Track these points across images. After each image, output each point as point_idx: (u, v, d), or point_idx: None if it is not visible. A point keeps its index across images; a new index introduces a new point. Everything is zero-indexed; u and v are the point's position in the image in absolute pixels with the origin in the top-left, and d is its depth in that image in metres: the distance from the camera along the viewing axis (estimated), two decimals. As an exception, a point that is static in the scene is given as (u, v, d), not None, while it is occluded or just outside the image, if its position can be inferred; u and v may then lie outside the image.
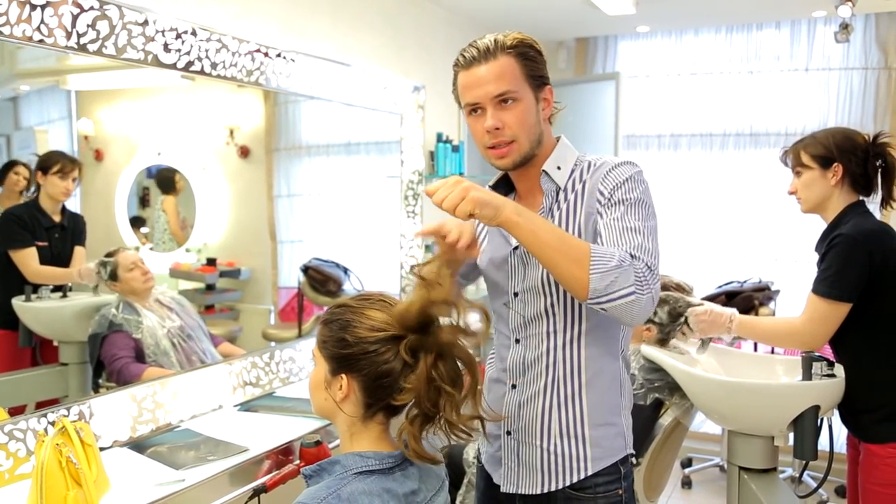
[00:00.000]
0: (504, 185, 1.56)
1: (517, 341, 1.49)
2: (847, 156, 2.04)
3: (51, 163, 2.02)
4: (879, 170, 2.07)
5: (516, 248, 1.47)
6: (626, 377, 1.50)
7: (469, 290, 3.74)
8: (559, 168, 1.46)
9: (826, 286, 1.98)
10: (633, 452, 1.50)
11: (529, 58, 1.41)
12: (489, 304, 1.55)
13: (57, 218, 2.04)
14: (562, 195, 1.45)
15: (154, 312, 2.26)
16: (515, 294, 1.48)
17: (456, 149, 3.63)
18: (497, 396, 1.54)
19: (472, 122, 1.45)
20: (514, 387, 1.50)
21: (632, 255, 1.27)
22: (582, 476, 1.43)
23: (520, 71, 1.40)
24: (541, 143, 1.45)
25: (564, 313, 1.43)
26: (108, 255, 2.15)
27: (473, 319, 1.24)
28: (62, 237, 2.06)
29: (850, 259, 1.96)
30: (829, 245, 2.01)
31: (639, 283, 1.24)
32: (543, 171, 1.45)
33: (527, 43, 1.42)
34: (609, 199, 1.37)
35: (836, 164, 2.04)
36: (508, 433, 1.51)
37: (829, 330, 2.00)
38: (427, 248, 3.55)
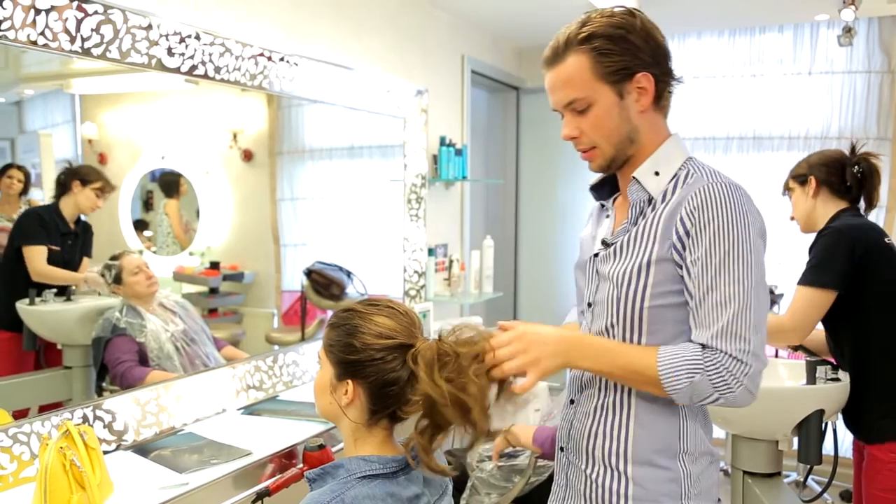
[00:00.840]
0: (609, 185, 1.42)
1: None
2: (817, 168, 2.21)
3: (93, 178, 2.07)
4: (859, 176, 2.14)
5: (596, 254, 1.36)
6: (693, 425, 1.32)
7: (473, 294, 3.73)
8: (657, 173, 1.28)
9: (809, 275, 2.07)
10: None
11: (604, 52, 1.23)
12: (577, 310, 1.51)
13: (72, 226, 2.06)
14: (650, 207, 1.27)
15: (157, 316, 2.26)
16: (589, 304, 1.38)
17: (459, 152, 3.64)
18: (561, 407, 1.48)
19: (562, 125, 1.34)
20: (571, 402, 1.42)
21: (706, 348, 1.18)
22: None
23: (591, 70, 1.24)
24: (634, 141, 1.29)
25: (623, 335, 1.30)
26: (113, 258, 2.16)
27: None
28: (74, 244, 2.08)
29: (831, 249, 2.05)
30: (815, 241, 2.14)
31: (721, 385, 1.17)
32: (634, 177, 1.29)
33: (601, 34, 1.23)
34: (695, 243, 1.19)
35: (808, 177, 2.21)
36: (562, 449, 1.44)
37: (814, 319, 2.06)
38: (430, 251, 3.55)
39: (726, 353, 1.16)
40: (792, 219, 2.30)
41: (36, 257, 1.98)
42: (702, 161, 1.31)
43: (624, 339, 1.30)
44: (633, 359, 1.23)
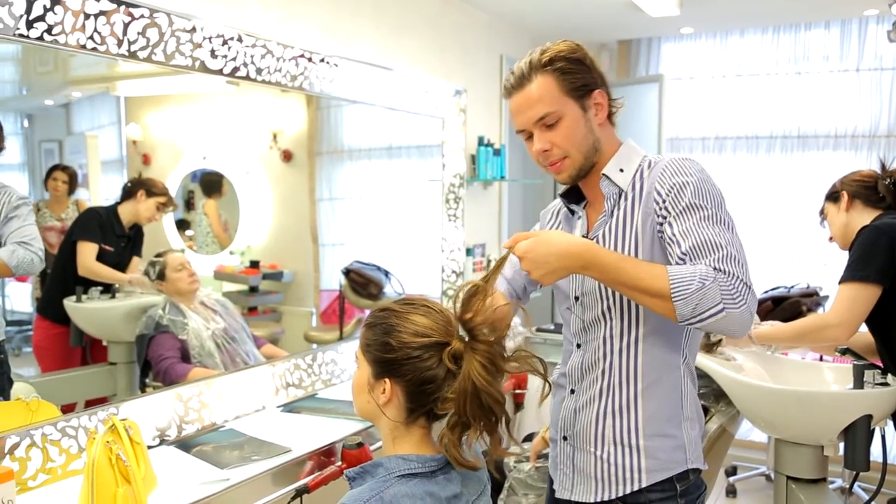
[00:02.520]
0: (574, 194, 1.55)
1: (578, 346, 1.49)
2: (849, 184, 2.25)
3: (158, 190, 2.17)
4: (891, 187, 2.17)
5: None
6: (691, 388, 1.45)
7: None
8: (622, 171, 1.42)
9: (850, 270, 2.05)
10: (698, 468, 1.43)
11: (566, 71, 1.39)
12: (557, 309, 1.57)
13: (127, 229, 2.13)
14: (623, 197, 1.42)
15: (199, 314, 2.30)
16: (577, 298, 1.47)
17: (497, 152, 3.63)
18: (558, 401, 1.54)
19: (528, 146, 1.47)
20: (572, 392, 1.49)
21: (716, 269, 1.23)
22: (635, 487, 1.39)
23: (557, 88, 1.39)
24: (598, 150, 1.44)
25: (621, 317, 1.40)
26: (157, 255, 2.21)
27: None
28: (126, 247, 2.14)
29: (871, 245, 2.03)
30: (854, 239, 2.11)
31: (729, 298, 1.20)
32: (603, 174, 1.43)
33: (561, 56, 1.39)
34: (675, 204, 1.32)
35: (840, 192, 2.25)
36: (565, 438, 1.50)
37: (858, 314, 2.02)
38: (468, 251, 3.55)
39: (735, 274, 1.22)
40: (831, 240, 2.32)
41: (87, 252, 2.03)
42: (658, 155, 1.46)
43: (623, 319, 1.40)
44: (640, 272, 1.27)
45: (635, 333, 1.40)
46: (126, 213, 2.12)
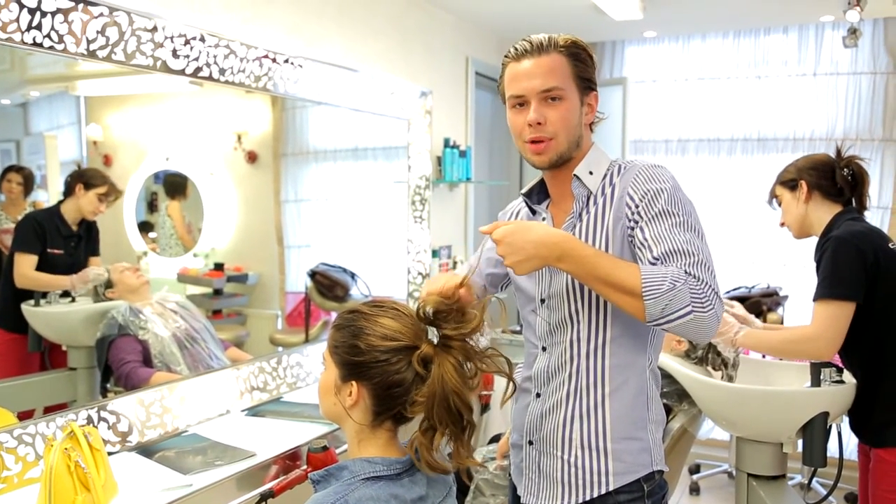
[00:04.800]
0: (538, 193, 1.55)
1: (543, 349, 1.48)
2: (807, 172, 2.18)
3: (97, 182, 2.06)
4: (849, 178, 2.11)
5: None
6: (655, 391, 1.46)
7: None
8: (591, 173, 1.43)
9: (826, 288, 2.01)
10: (662, 469, 1.45)
11: (581, 59, 1.40)
12: (519, 312, 1.57)
13: (75, 228, 2.06)
14: (591, 200, 1.42)
15: (159, 316, 2.27)
16: (542, 300, 1.46)
17: (463, 154, 3.64)
18: (522, 406, 1.53)
19: (513, 116, 1.44)
20: (538, 395, 1.48)
21: (687, 273, 1.23)
22: (603, 491, 1.39)
23: (570, 70, 1.39)
24: (579, 146, 1.43)
25: (589, 321, 1.40)
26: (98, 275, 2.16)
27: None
28: (77, 246, 2.07)
29: (842, 258, 1.99)
30: (822, 250, 2.06)
31: (697, 301, 1.21)
32: (575, 175, 1.43)
33: (580, 45, 1.41)
34: (648, 210, 1.33)
35: (799, 181, 2.18)
36: (530, 443, 1.49)
37: (841, 332, 1.99)
38: (434, 253, 3.55)
39: (705, 280, 1.24)
40: (782, 225, 2.27)
41: (23, 264, 1.96)
42: (626, 159, 1.46)
43: (590, 322, 1.40)
44: (614, 267, 1.27)
45: (602, 337, 1.39)
46: (69, 211, 2.03)
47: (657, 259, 1.28)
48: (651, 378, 1.44)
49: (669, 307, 1.21)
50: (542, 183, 1.54)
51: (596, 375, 1.40)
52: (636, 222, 1.34)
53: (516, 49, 1.42)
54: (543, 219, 1.51)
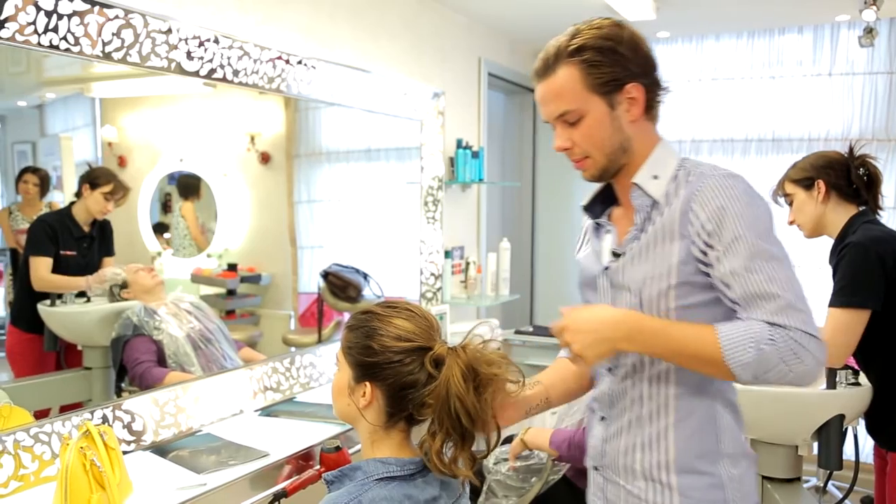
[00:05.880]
0: (600, 203, 1.42)
1: (609, 370, 1.36)
2: (824, 171, 2.12)
3: (102, 181, 2.06)
4: (864, 178, 2.08)
5: (607, 267, 1.34)
6: (730, 421, 1.30)
7: (489, 296, 3.73)
8: (656, 177, 1.28)
9: (843, 295, 1.97)
10: None
11: (594, 64, 1.24)
12: None
13: (87, 229, 2.07)
14: (656, 211, 1.27)
15: (173, 317, 2.28)
16: None
17: (476, 155, 3.64)
18: (590, 427, 1.45)
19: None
20: (602, 419, 1.38)
21: (772, 325, 1.13)
22: None
23: (582, 82, 1.25)
24: (627, 150, 1.29)
25: None
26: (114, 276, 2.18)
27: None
28: (90, 247, 2.09)
29: (861, 265, 1.96)
30: (840, 256, 2.02)
31: (788, 359, 1.12)
32: (634, 183, 1.29)
33: (591, 46, 1.24)
34: (720, 234, 1.18)
35: (816, 181, 2.12)
36: (596, 468, 1.40)
37: (853, 340, 1.97)
38: (447, 253, 3.55)
39: (793, 327, 1.13)
40: (791, 223, 2.22)
41: (39, 267, 1.97)
42: (696, 160, 1.32)
43: None
44: (688, 338, 1.18)
45: (667, 363, 1.27)
46: (79, 212, 2.04)
47: (737, 302, 1.18)
48: (724, 408, 1.30)
49: (760, 371, 1.13)
50: (606, 188, 1.41)
51: (659, 403, 1.29)
52: (709, 247, 1.20)
53: (534, 69, 1.32)
54: (608, 231, 1.39)
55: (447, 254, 3.57)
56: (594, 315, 1.23)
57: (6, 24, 1.59)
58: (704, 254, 1.21)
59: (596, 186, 1.42)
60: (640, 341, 1.20)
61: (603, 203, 1.42)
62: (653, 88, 1.30)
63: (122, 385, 2.11)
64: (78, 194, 2.04)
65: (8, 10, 1.59)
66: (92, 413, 1.88)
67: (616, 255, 1.33)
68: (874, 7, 3.20)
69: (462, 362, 1.14)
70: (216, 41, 2.15)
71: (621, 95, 1.26)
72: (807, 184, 2.15)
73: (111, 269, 2.12)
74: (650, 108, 1.30)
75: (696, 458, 1.27)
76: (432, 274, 3.46)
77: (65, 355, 2.05)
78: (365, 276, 3.08)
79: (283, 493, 1.63)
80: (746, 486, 1.31)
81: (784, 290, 1.15)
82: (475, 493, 2.21)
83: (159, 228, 2.32)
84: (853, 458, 2.20)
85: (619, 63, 1.25)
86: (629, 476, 1.32)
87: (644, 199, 1.29)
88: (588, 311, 1.24)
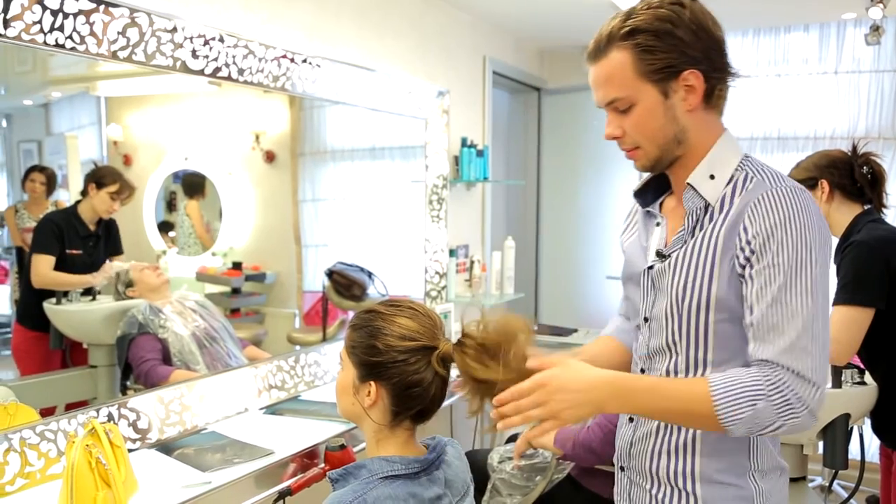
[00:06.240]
0: (653, 190, 1.33)
1: (642, 370, 1.32)
2: (827, 171, 2.12)
3: (108, 180, 2.05)
4: (868, 176, 2.08)
5: (651, 266, 1.27)
6: (762, 439, 1.23)
7: (494, 295, 3.73)
8: (712, 177, 1.19)
9: (846, 292, 1.97)
10: None
11: (648, 49, 1.14)
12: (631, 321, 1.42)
13: (93, 227, 2.07)
14: (708, 214, 1.19)
15: (178, 315, 2.28)
16: (646, 319, 1.29)
17: (480, 153, 3.63)
18: (619, 425, 1.40)
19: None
20: (630, 420, 1.33)
21: (772, 366, 1.08)
22: None
23: (633, 68, 1.16)
24: (682, 142, 1.20)
25: (687, 354, 1.22)
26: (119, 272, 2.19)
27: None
28: (96, 246, 2.09)
29: (865, 264, 1.96)
30: (843, 254, 2.01)
31: (784, 413, 1.07)
32: (688, 184, 1.21)
33: (644, 28, 1.15)
34: (760, 254, 1.11)
35: (819, 180, 2.12)
36: (622, 469, 1.37)
37: (857, 337, 1.97)
38: (451, 252, 3.55)
39: (792, 371, 1.08)
40: None
41: (41, 265, 1.97)
42: (759, 161, 1.23)
43: (689, 355, 1.22)
44: (680, 396, 1.14)
45: (700, 372, 1.21)
46: (85, 210, 2.05)
47: (750, 327, 1.13)
48: None
49: (756, 427, 1.09)
50: (660, 175, 1.32)
51: None
52: (748, 262, 1.13)
53: (587, 52, 1.24)
54: (658, 224, 1.31)
55: (452, 252, 3.57)
56: (579, 375, 1.15)
57: (12, 24, 1.60)
58: (743, 268, 1.15)
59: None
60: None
61: (657, 190, 1.33)
62: (716, 75, 1.19)
63: (128, 383, 2.12)
64: (84, 193, 2.04)
65: (14, 9, 1.59)
66: (97, 411, 1.88)
67: (661, 255, 1.26)
68: (881, 5, 3.19)
69: (471, 349, 1.15)
70: (221, 40, 2.15)
71: (677, 83, 1.17)
72: (810, 183, 2.15)
73: (117, 262, 2.13)
74: (711, 97, 1.20)
75: (723, 470, 1.22)
76: (437, 272, 3.46)
77: (70, 353, 2.05)
78: (370, 274, 3.08)
79: (288, 492, 1.64)
80: (775, 497, 1.26)
81: (802, 329, 1.09)
82: (479, 491, 2.22)
83: (164, 227, 2.32)
84: (859, 458, 2.20)
85: (677, 48, 1.15)
86: (654, 480, 1.28)
87: (697, 200, 1.21)
88: (571, 371, 1.15)
